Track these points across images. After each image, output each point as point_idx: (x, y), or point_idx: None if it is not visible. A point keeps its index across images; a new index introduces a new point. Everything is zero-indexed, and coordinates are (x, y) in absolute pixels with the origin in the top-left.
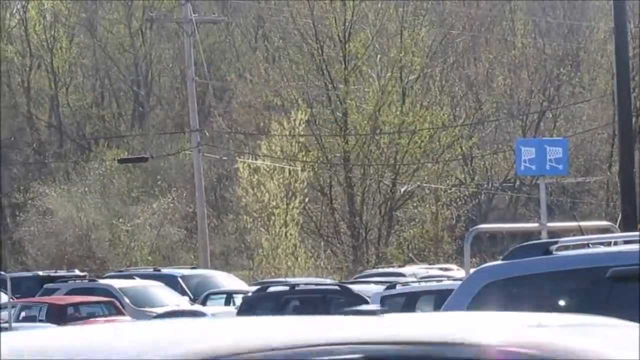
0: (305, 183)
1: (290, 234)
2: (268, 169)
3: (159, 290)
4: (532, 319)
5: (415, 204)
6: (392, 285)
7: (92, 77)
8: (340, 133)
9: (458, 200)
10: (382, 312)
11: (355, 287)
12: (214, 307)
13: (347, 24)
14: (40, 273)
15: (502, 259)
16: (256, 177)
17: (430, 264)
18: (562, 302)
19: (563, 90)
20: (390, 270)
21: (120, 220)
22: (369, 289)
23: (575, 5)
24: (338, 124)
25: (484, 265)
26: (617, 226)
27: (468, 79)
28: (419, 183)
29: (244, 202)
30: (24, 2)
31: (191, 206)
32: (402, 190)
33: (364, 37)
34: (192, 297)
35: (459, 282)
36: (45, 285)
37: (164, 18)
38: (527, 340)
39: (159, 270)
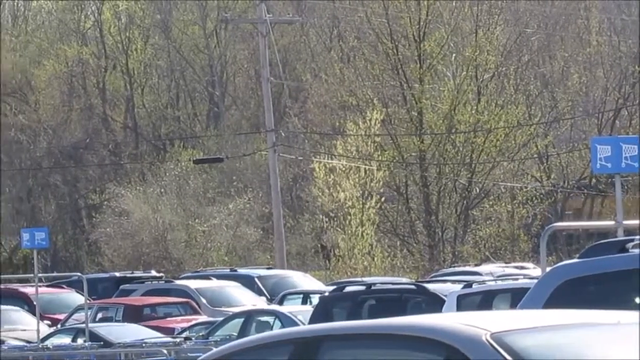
0: (381, 182)
1: (367, 234)
2: (344, 169)
3: (235, 291)
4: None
5: (491, 203)
6: (468, 284)
7: (167, 78)
8: (415, 132)
9: (534, 198)
10: None
11: (431, 287)
12: (291, 306)
13: (421, 23)
14: (117, 274)
15: (578, 257)
16: (332, 177)
17: (506, 263)
18: (638, 300)
19: (638, 87)
20: (467, 269)
21: (197, 220)
22: (446, 288)
23: None
24: (413, 123)
25: (560, 264)
26: None
27: (543, 77)
28: (494, 182)
29: (320, 202)
30: (98, 4)
31: (267, 206)
32: (479, 189)
33: (439, 36)
34: (268, 297)
35: (536, 281)
36: (121, 286)
37: (239, 19)
38: None
39: (236, 271)
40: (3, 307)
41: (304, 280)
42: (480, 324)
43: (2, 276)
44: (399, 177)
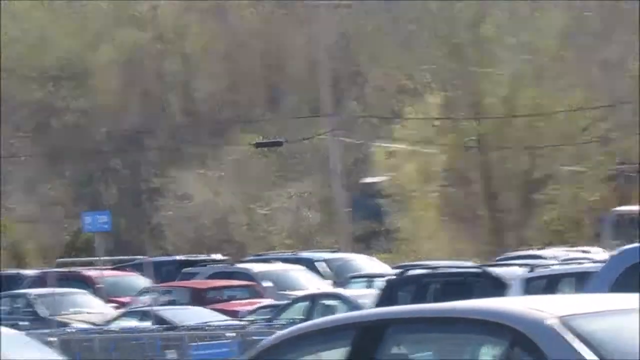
0: (442, 166)
1: (429, 217)
2: (404, 153)
3: (299, 274)
4: None
5: (554, 186)
6: (532, 268)
7: (227, 62)
8: (475, 116)
9: (598, 182)
10: None
11: (495, 270)
12: (356, 290)
13: (479, 6)
14: (180, 257)
15: None
16: (393, 160)
17: (570, 246)
18: None
19: None
20: (531, 253)
21: (257, 204)
22: (510, 272)
23: None
24: (473, 107)
25: (625, 247)
26: None
27: (603, 61)
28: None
29: (381, 186)
30: None
31: (328, 189)
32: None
33: (497, 19)
34: (333, 280)
35: (600, 265)
36: (184, 270)
37: (297, 2)
38: None
39: (299, 254)
40: (69, 290)
41: (368, 264)
42: (546, 308)
43: (67, 259)
44: (460, 161)
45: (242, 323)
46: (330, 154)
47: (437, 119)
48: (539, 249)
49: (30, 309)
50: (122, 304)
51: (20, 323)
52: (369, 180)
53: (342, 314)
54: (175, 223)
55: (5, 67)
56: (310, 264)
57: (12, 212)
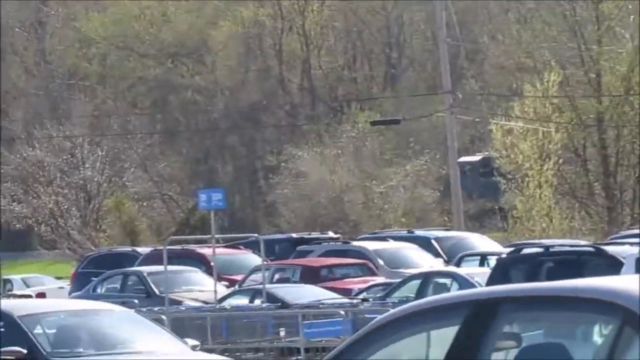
0: (559, 144)
1: (545, 196)
2: (521, 131)
3: (412, 252)
4: None
5: None
6: None
7: (344, 40)
8: (593, 94)
9: None
10: None
11: (610, 249)
12: (469, 268)
13: None
14: (294, 235)
15: None
16: (509, 138)
17: None
18: None
19: None
20: None
21: (374, 182)
22: (624, 250)
23: None
24: (591, 85)
25: None
26: None
27: None
28: None
29: (497, 163)
30: None
31: (444, 168)
32: None
33: None
34: (446, 258)
35: None
36: (298, 248)
37: None
38: None
39: (413, 232)
40: (181, 268)
41: (481, 242)
42: None
43: (180, 237)
44: (577, 139)
45: (355, 301)
46: (447, 132)
47: (555, 96)
48: None
49: (143, 287)
50: (234, 282)
51: (132, 301)
52: (466, 159)
53: (454, 292)
54: (291, 201)
55: (124, 45)
56: (425, 243)
57: (127, 189)
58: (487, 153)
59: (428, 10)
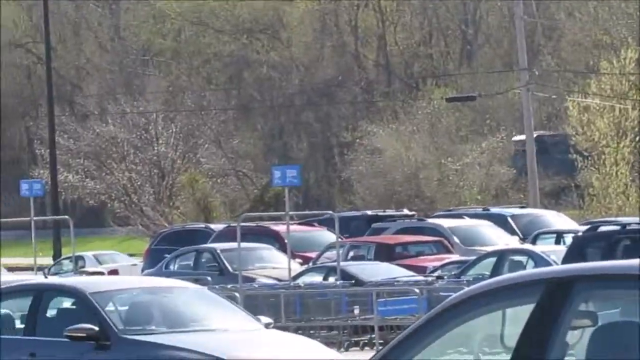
0: (636, 121)
1: (621, 173)
2: (598, 108)
3: (488, 230)
4: None
5: None
6: None
7: (420, 16)
8: None
9: None
10: None
11: None
12: (544, 246)
13: None
14: (369, 212)
15: None
16: (586, 115)
17: None
18: None
19: None
20: None
21: (449, 159)
22: None
23: None
24: None
25: None
26: None
27: None
28: None
29: (573, 140)
30: None
31: (520, 144)
32: None
33: None
34: (521, 236)
35: None
36: (373, 225)
37: None
38: None
39: (488, 210)
40: (255, 245)
41: (557, 220)
42: None
43: (254, 214)
44: None
45: (430, 279)
46: (523, 109)
47: (632, 74)
48: None
49: (216, 264)
50: (308, 260)
51: (205, 278)
52: (519, 137)
53: (530, 270)
54: (365, 178)
55: (199, 20)
56: (501, 220)
57: (201, 166)
58: (541, 132)
59: None
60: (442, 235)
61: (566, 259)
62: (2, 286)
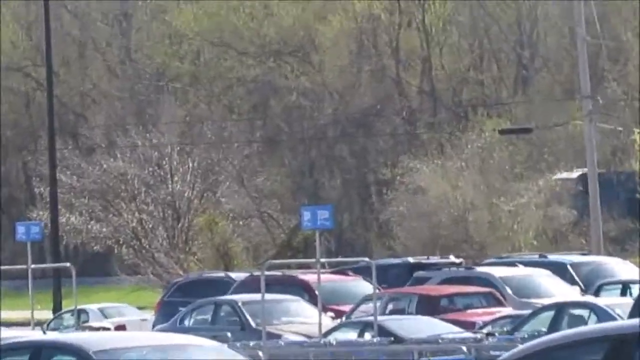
0: None
1: None
2: None
3: (545, 280)
4: None
5: None
6: None
7: (470, 37)
8: None
9: None
10: None
11: None
12: (608, 298)
13: None
14: (411, 260)
15: None
16: None
17: None
18: None
19: None
20: None
21: (502, 199)
22: None
23: None
24: None
25: None
26: None
27: None
28: None
29: None
30: None
31: (583, 182)
32: None
33: None
34: (583, 287)
35: None
36: (415, 274)
37: None
38: None
39: (546, 257)
40: (281, 297)
41: (623, 268)
42: None
43: (280, 261)
44: None
45: (479, 336)
46: (586, 142)
47: None
48: None
49: (237, 318)
50: (341, 313)
51: (225, 334)
52: (564, 175)
53: (592, 326)
54: (407, 220)
55: (220, 41)
56: (560, 268)
57: (221, 206)
58: (585, 169)
59: (565, 4)
60: (493, 286)
61: (633, 313)
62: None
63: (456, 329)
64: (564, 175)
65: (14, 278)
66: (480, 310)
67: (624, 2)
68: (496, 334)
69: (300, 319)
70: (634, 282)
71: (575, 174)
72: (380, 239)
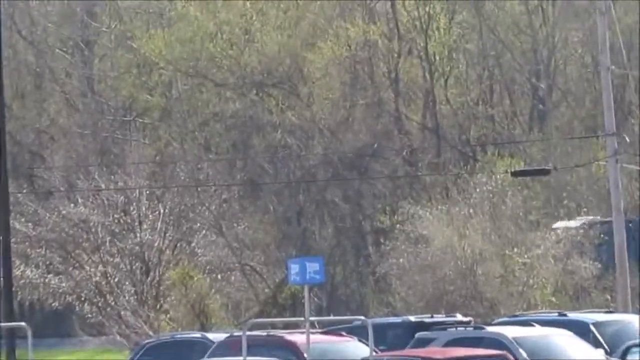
0: None
1: None
2: None
3: (565, 341)
4: None
5: None
6: None
7: (479, 66)
8: None
9: None
10: None
11: None
12: None
13: None
14: (412, 318)
15: None
16: None
17: None
18: None
19: None
20: None
21: (515, 250)
22: None
23: None
24: None
25: None
26: None
27: None
28: None
29: None
30: None
31: (607, 230)
32: None
33: None
34: (608, 349)
35: None
36: (417, 334)
37: None
38: None
39: (565, 315)
40: None
41: None
42: None
43: (264, 320)
44: None
45: None
46: (610, 185)
47: None
48: None
49: None
50: None
51: None
52: (561, 224)
53: None
54: (408, 273)
55: (195, 71)
56: (582, 328)
57: (197, 258)
58: (590, 218)
59: (587, 29)
60: (505, 348)
61: None
62: None
63: None
64: (562, 224)
65: None
66: None
67: None
68: None
69: None
70: None
71: (578, 222)
72: (378, 295)
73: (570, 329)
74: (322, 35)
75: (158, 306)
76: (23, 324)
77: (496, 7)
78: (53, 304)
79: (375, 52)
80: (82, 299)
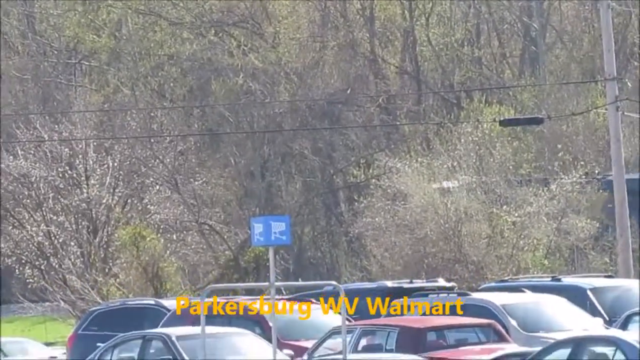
0: None
1: None
2: None
3: (559, 309)
4: None
5: None
6: None
7: (464, 4)
8: None
9: None
10: None
11: None
12: (637, 331)
13: None
14: (389, 284)
15: None
16: None
17: None
18: None
19: None
20: None
21: (504, 208)
22: None
23: None
24: None
25: None
26: None
27: None
28: None
29: None
30: None
31: (607, 186)
32: None
33: None
34: (607, 317)
35: None
36: (394, 301)
37: None
38: None
39: (560, 280)
40: (226, 329)
41: None
42: None
43: (225, 285)
44: None
45: None
46: (610, 135)
47: None
48: None
49: (170, 356)
50: (302, 351)
51: None
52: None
53: None
54: (384, 234)
55: (147, 9)
56: (578, 295)
57: (150, 216)
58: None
59: None
60: (493, 317)
61: None
62: None
63: None
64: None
65: None
66: (477, 347)
67: None
68: None
69: (250, 357)
70: None
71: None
72: (351, 258)
73: (564, 296)
74: None
75: (107, 269)
76: None
77: None
78: None
79: None
80: (23, 261)
